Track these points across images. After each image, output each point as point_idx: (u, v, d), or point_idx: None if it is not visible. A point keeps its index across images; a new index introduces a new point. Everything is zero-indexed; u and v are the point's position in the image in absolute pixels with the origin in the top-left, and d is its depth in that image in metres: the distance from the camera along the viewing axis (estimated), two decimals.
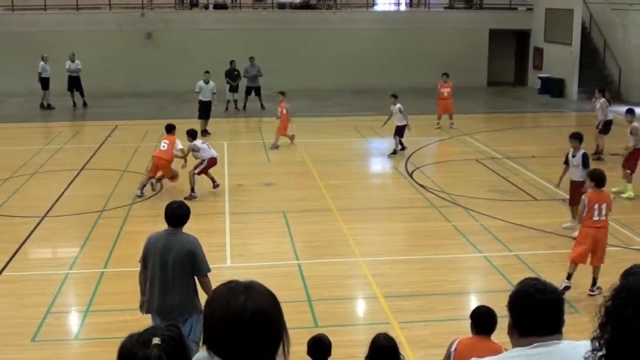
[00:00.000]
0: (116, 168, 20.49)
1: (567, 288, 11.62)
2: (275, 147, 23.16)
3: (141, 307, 8.92)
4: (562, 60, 34.71)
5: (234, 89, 30.03)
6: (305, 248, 14.43)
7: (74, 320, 11.60)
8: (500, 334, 5.56)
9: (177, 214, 8.73)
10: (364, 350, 6.96)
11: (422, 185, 18.88)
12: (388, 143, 23.31)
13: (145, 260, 8.75)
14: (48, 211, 16.76)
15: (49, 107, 30.36)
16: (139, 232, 14.89)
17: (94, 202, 17.34)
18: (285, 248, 14.38)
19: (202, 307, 3.02)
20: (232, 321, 2.73)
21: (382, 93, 27.06)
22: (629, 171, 17.82)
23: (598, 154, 21.24)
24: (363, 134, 25.64)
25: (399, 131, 22.38)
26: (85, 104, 31.14)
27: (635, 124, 18.22)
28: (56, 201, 17.51)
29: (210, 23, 35.68)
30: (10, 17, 34.87)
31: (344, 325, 11.23)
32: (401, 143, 22.59)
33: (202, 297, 8.42)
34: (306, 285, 12.49)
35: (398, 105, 22.44)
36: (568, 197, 15.64)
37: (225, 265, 13.12)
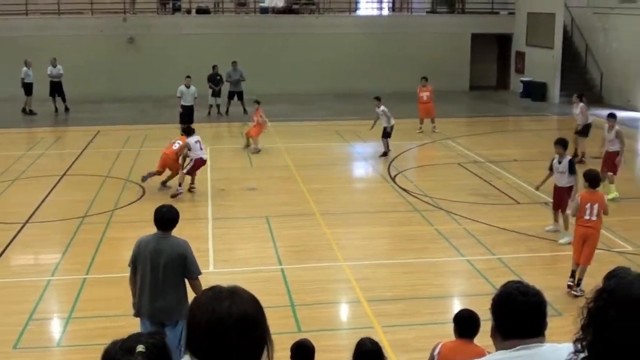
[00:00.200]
0: (98, 174, 20.40)
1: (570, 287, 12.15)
2: (257, 151, 23.16)
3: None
4: (544, 64, 34.89)
5: (216, 94, 30.02)
6: (288, 253, 14.41)
7: (56, 327, 11.52)
8: (484, 337, 5.57)
9: (166, 218, 8.78)
10: (347, 355, 6.94)
11: (404, 189, 18.91)
12: (371, 147, 23.35)
13: (134, 264, 8.77)
14: (30, 217, 16.65)
15: (31, 112, 30.19)
16: (122, 238, 14.88)
17: (76, 208, 17.26)
18: (268, 253, 14.36)
19: None
20: (217, 326, 2.72)
21: (365, 97, 27.07)
22: (610, 173, 17.88)
23: (576, 156, 21.28)
24: (346, 138, 25.65)
25: (386, 133, 22.50)
26: (67, 109, 30.99)
27: (618, 127, 18.34)
28: (38, 207, 17.41)
29: (192, 28, 35.63)
30: None
31: (327, 330, 11.21)
32: (387, 145, 22.70)
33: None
34: (289, 290, 12.46)
35: (382, 107, 22.54)
36: (552, 201, 15.64)
37: (209, 271, 13.05)
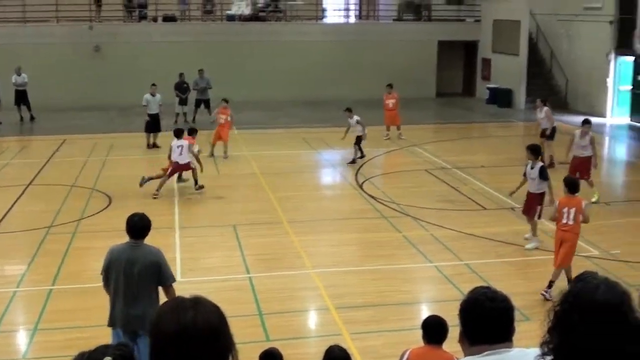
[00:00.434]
0: (64, 183, 20.21)
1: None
2: (225, 157, 23.15)
3: None
4: (509, 70, 35.18)
5: (183, 102, 29.95)
6: (256, 261, 14.36)
7: (22, 339, 11.36)
8: (452, 343, 5.58)
9: (138, 226, 8.76)
10: None
11: (372, 196, 18.94)
12: (338, 154, 23.37)
13: (107, 273, 8.72)
14: None
15: None
16: (88, 248, 14.75)
17: (42, 218, 17.08)
18: (236, 262, 14.29)
19: None
20: (184, 336, 2.70)
21: (332, 105, 27.15)
22: (586, 177, 17.98)
23: (545, 161, 21.39)
24: (313, 145, 25.66)
25: (359, 140, 22.63)
26: (32, 118, 30.70)
27: (591, 133, 18.57)
28: (3, 217, 17.21)
29: (159, 35, 35.47)
30: None
31: (295, 338, 11.18)
32: (361, 150, 22.85)
33: None
34: (257, 299, 12.42)
35: (355, 117, 22.65)
36: (521, 207, 15.65)
37: (177, 280, 12.99)
